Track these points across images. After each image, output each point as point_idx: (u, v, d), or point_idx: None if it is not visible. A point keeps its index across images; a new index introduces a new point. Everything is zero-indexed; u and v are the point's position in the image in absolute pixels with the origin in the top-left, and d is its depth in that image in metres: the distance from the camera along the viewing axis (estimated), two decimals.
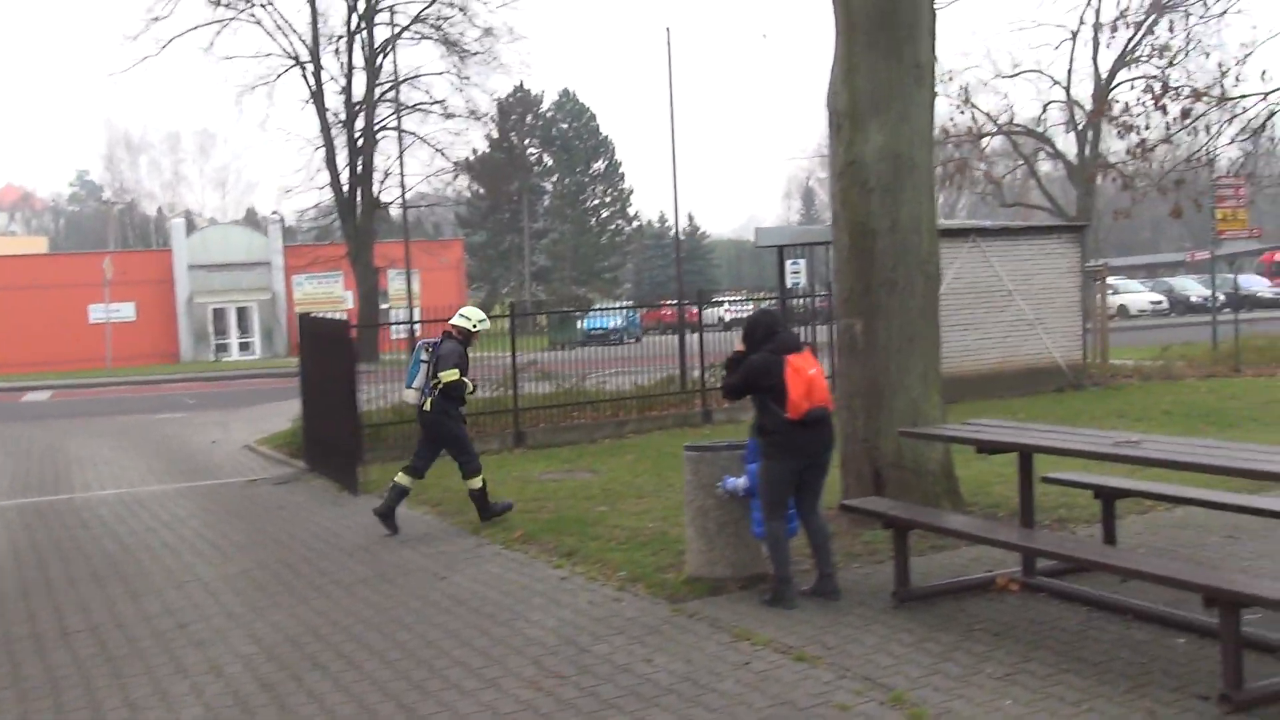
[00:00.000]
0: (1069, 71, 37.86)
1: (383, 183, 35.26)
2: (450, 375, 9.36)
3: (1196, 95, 15.69)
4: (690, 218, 76.86)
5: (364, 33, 34.54)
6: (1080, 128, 40.66)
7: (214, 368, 40.91)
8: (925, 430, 7.34)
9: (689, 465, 7.27)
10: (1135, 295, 44.45)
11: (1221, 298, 45.60)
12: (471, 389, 9.78)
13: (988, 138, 42.77)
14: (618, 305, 43.91)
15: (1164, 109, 16.26)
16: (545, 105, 67.31)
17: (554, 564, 8.11)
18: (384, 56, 34.26)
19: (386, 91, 34.42)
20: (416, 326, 19.90)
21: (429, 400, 9.54)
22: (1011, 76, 39.89)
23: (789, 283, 18.16)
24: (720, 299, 24.24)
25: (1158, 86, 16.24)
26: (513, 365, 15.00)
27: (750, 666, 5.67)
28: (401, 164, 31.06)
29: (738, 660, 5.77)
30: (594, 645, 6.16)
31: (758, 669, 5.63)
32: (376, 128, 34.93)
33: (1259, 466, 5.12)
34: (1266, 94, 13.94)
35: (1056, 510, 8.68)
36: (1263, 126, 14.31)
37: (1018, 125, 40.19)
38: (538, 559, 8.31)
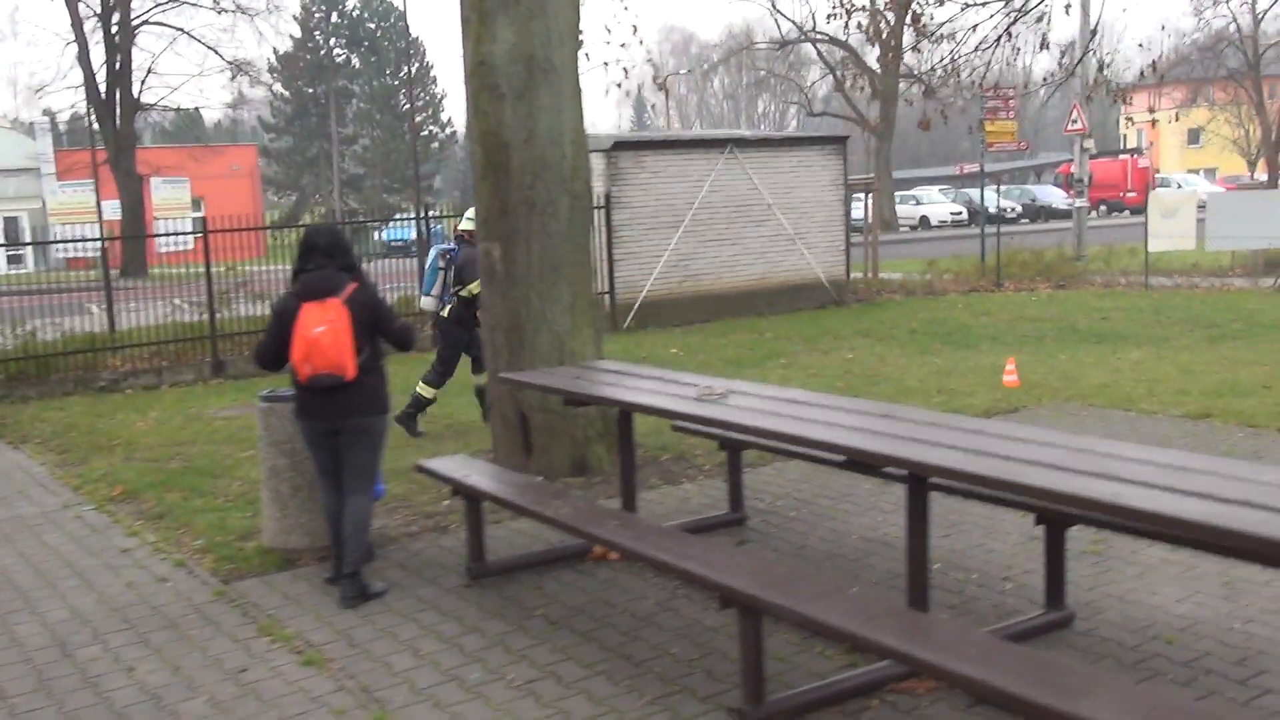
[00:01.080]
0: None
1: (144, 82, 32.52)
2: (478, 287, 8.27)
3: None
4: None
5: None
6: (883, 36, 40.25)
7: None
8: (518, 376, 6.41)
9: (260, 418, 6.20)
10: (937, 206, 44.81)
11: (1019, 208, 46.63)
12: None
13: (791, 45, 42.29)
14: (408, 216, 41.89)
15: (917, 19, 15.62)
16: (351, 4, 63.84)
17: (131, 530, 6.97)
18: None
19: None
20: (189, 239, 18.19)
21: (447, 308, 9.16)
22: None
23: None
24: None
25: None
26: (208, 284, 13.60)
27: (244, 676, 4.69)
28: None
29: (235, 666, 4.78)
30: (84, 648, 5.08)
31: (250, 679, 4.65)
32: (136, 21, 32.07)
33: (815, 435, 4.33)
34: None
35: (699, 459, 7.95)
36: (999, 39, 13.78)
37: (822, 34, 39.71)
38: (119, 524, 7.14)
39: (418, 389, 9.28)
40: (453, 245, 9.32)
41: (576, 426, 7.64)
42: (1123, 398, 9.53)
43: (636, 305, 16.31)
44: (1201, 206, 20.33)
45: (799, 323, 16.18)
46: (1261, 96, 45.59)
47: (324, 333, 5.08)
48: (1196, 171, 70.46)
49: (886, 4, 21.06)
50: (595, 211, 15.85)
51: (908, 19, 15.86)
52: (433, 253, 9.48)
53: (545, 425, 7.61)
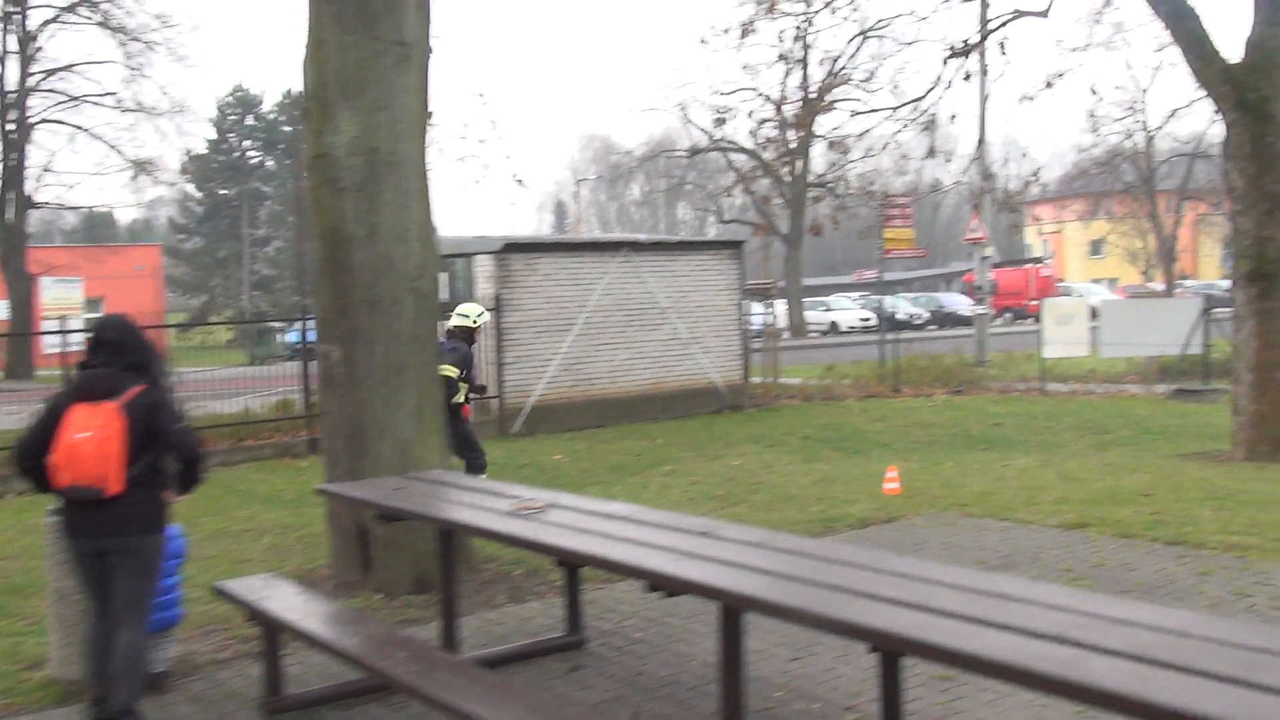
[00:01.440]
0: (782, 91, 37.98)
1: (39, 179, 31.73)
2: (448, 371, 8.96)
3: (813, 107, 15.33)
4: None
5: (18, 15, 31.02)
6: (792, 146, 40.97)
7: None
8: (333, 488, 5.95)
9: (47, 534, 5.63)
10: (846, 312, 45.33)
11: (927, 315, 47.36)
12: (466, 387, 9.52)
13: (700, 154, 42.90)
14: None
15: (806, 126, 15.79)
16: (267, 106, 63.65)
17: None
18: (35, 42, 30.82)
19: (43, 80, 30.98)
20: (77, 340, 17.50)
21: None
22: (728, 94, 39.62)
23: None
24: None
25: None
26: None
27: None
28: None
29: None
30: None
31: None
32: (34, 119, 31.40)
33: (617, 556, 3.93)
34: (894, 108, 13.59)
35: (552, 575, 7.47)
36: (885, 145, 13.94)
37: (731, 143, 40.32)
38: None
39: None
40: (443, 340, 9.36)
41: (419, 540, 7.14)
42: (1001, 507, 9.29)
43: (527, 409, 15.90)
44: (1095, 314, 20.63)
45: (692, 429, 15.87)
46: (1155, 209, 47.10)
47: (87, 439, 4.57)
48: (1100, 281, 72.57)
49: (792, 117, 21.41)
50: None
51: (812, 126, 15.98)
52: None
53: (386, 539, 7.11)
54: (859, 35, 30.81)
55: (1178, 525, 8.24)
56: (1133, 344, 19.77)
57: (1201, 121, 50.72)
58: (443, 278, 16.57)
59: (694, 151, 41.63)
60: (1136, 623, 2.94)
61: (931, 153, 15.04)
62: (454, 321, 9.69)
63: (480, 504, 4.98)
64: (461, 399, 9.50)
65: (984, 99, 25.36)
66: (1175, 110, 43.37)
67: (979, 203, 25.09)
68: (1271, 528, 8.08)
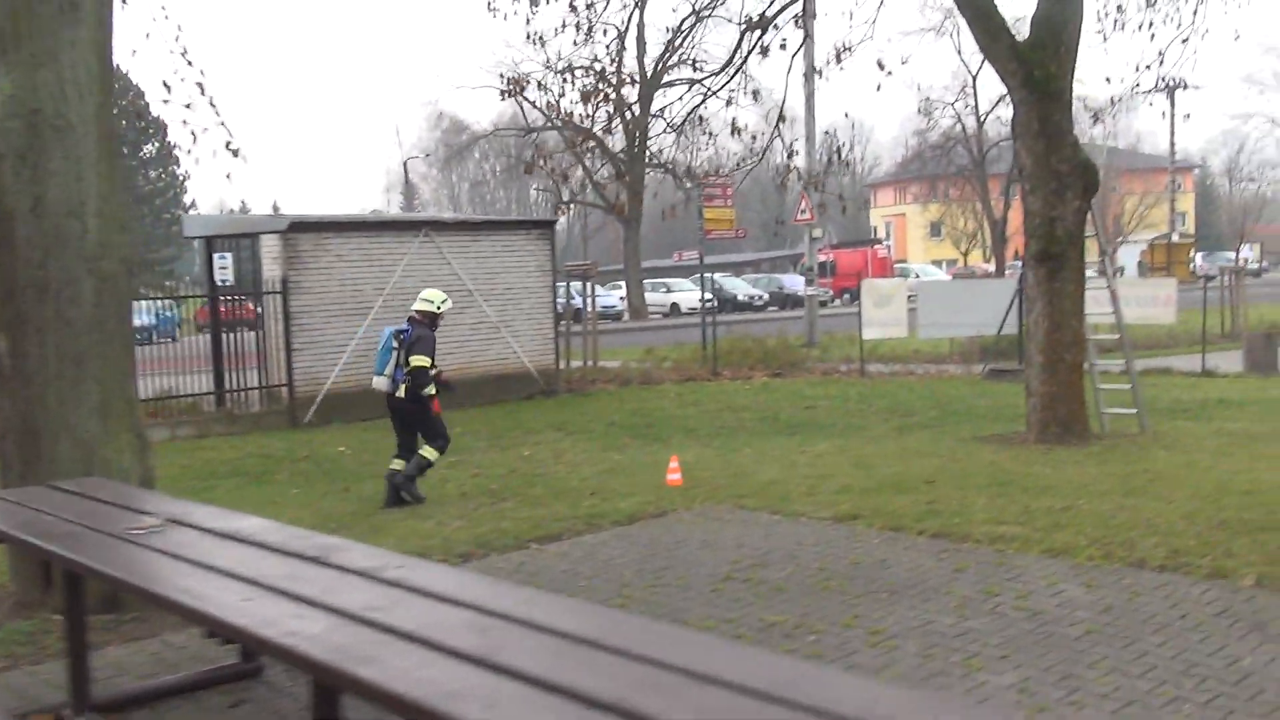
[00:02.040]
0: (617, 69, 37.35)
1: None
2: (420, 361, 9.20)
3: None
4: (275, 207, 71.84)
5: None
6: (628, 125, 40.49)
7: None
8: None
9: None
10: (687, 294, 45.14)
11: (767, 296, 47.57)
12: (436, 374, 9.47)
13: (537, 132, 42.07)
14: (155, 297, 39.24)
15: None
16: None
17: None
18: None
19: None
20: None
21: (402, 387, 9.28)
22: (562, 73, 38.72)
23: (218, 279, 15.60)
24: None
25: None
26: None
27: None
28: None
29: None
30: None
31: None
32: None
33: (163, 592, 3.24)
34: (693, 82, 13.17)
35: None
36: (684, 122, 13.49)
37: (568, 121, 39.58)
38: None
39: (421, 452, 9.35)
40: (405, 326, 9.48)
41: None
42: (780, 498, 8.88)
43: (319, 399, 15.00)
44: (913, 296, 20.65)
45: (495, 416, 15.20)
46: (986, 192, 48.27)
47: None
48: (940, 262, 74.43)
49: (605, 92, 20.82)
50: (270, 298, 14.57)
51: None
52: (386, 333, 9.62)
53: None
54: (691, 15, 30.43)
55: (949, 515, 7.94)
56: (951, 325, 19.84)
57: None
58: (228, 258, 15.56)
59: (528, 130, 40.78)
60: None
61: (735, 130, 14.65)
62: (417, 306, 9.63)
63: (93, 524, 4.22)
64: (433, 391, 9.37)
65: (810, 79, 25.30)
66: (1004, 95, 44.42)
67: (809, 184, 24.99)
68: (1042, 515, 7.85)
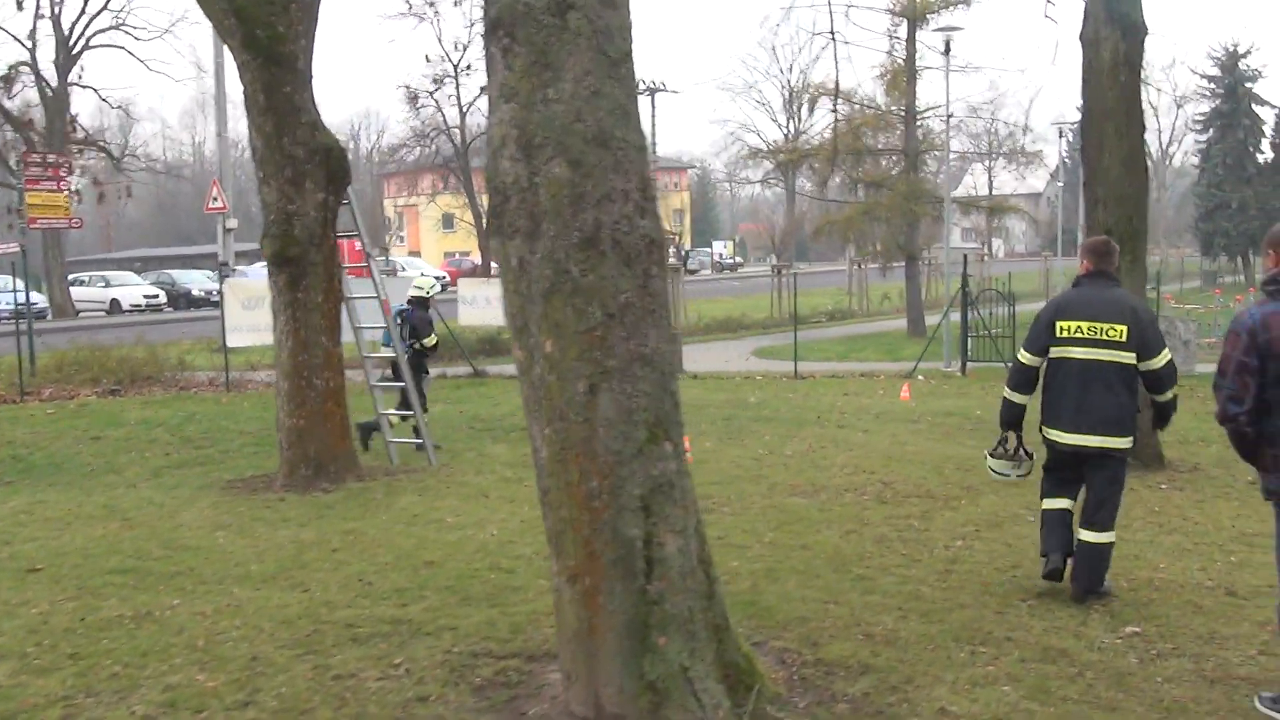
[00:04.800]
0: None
1: None
2: (432, 341, 11.35)
3: None
4: None
5: None
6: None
7: None
8: None
9: None
10: (130, 289, 39.96)
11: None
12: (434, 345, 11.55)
13: None
14: None
15: None
16: None
17: None
18: None
19: None
20: None
21: (405, 356, 10.76)
22: None
23: None
24: None
25: None
26: None
27: None
28: None
29: None
30: None
31: None
32: None
33: None
34: None
35: None
36: None
37: None
38: None
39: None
40: (407, 308, 11.25)
41: None
42: None
43: None
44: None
45: None
46: (471, 184, 47.02)
47: None
48: (453, 254, 73.13)
49: None
50: None
51: None
52: (395, 313, 10.89)
53: None
54: None
55: None
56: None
57: None
58: None
59: None
60: None
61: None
62: (412, 292, 11.38)
63: None
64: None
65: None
66: (483, 89, 43.27)
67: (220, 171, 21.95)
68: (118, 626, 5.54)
